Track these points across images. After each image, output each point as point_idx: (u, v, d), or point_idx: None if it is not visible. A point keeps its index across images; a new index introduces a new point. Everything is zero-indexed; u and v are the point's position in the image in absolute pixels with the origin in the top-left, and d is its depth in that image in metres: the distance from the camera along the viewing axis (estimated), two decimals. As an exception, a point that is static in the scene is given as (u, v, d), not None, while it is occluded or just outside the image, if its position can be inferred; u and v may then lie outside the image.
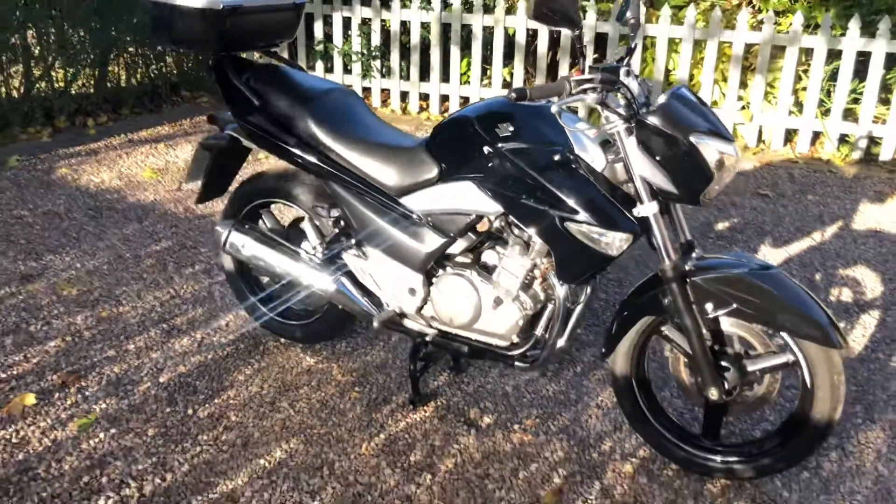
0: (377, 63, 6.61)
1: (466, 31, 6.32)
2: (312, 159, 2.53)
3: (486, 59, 6.40)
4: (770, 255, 3.88)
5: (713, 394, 2.17)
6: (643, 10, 2.22)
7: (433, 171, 2.36)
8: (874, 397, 2.74)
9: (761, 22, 5.46)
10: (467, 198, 2.31)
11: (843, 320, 3.25)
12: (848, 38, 5.22)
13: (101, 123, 6.10)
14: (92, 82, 6.32)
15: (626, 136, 2.06)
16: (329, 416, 2.59)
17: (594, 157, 2.15)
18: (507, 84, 6.31)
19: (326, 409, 2.63)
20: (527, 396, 2.72)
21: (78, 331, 3.08)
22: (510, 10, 6.12)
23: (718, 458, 2.28)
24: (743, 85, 5.73)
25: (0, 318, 3.15)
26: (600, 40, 5.96)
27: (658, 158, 2.04)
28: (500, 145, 2.20)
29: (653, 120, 2.02)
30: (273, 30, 2.69)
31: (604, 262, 2.15)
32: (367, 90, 6.88)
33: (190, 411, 2.60)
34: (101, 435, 2.47)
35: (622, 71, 2.08)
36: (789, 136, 5.72)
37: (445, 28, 6.33)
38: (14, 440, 2.43)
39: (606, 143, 2.18)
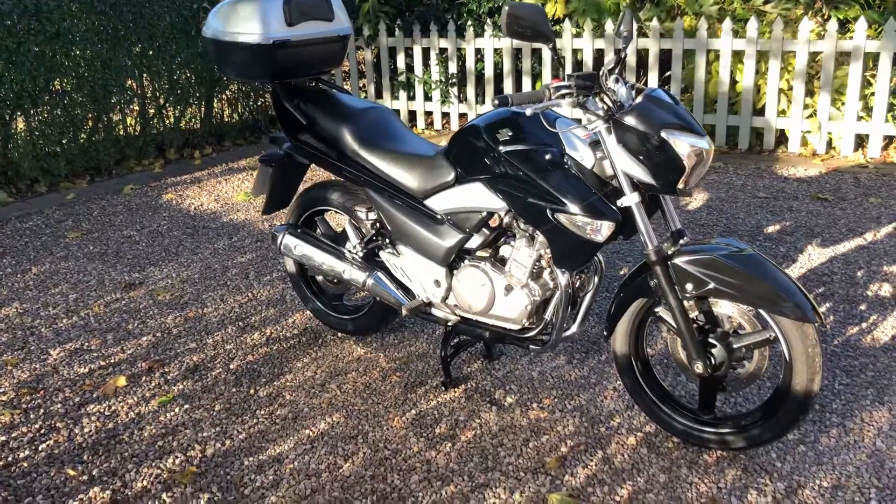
0: (454, 89, 7.00)
1: (537, 55, 6.63)
2: (351, 169, 2.90)
3: (557, 81, 6.67)
4: (815, 254, 3.97)
5: (699, 367, 2.37)
6: (635, 24, 2.48)
7: (450, 175, 2.68)
8: (888, 382, 2.84)
9: (826, 28, 5.50)
10: (478, 197, 2.61)
11: (876, 312, 3.33)
12: (914, 41, 5.21)
13: (206, 154, 6.77)
14: (199, 118, 7.00)
15: (607, 134, 2.31)
16: (370, 396, 2.93)
17: (584, 156, 2.41)
18: (578, 103, 6.55)
19: (368, 391, 2.96)
20: (550, 380, 2.97)
21: (167, 328, 3.55)
22: (577, 34, 6.38)
23: (713, 430, 2.46)
24: (809, 93, 5.76)
25: (105, 319, 3.67)
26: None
27: (635, 153, 2.28)
28: (500, 148, 2.49)
29: (627, 119, 2.27)
30: (320, 59, 3.07)
31: (593, 249, 2.40)
32: (446, 115, 7.29)
33: (252, 391, 3.00)
34: (177, 409, 2.90)
35: (611, 78, 2.35)
36: (861, 141, 5.70)
37: (517, 53, 6.66)
38: (106, 413, 2.89)
39: (596, 143, 2.43)
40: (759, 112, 5.96)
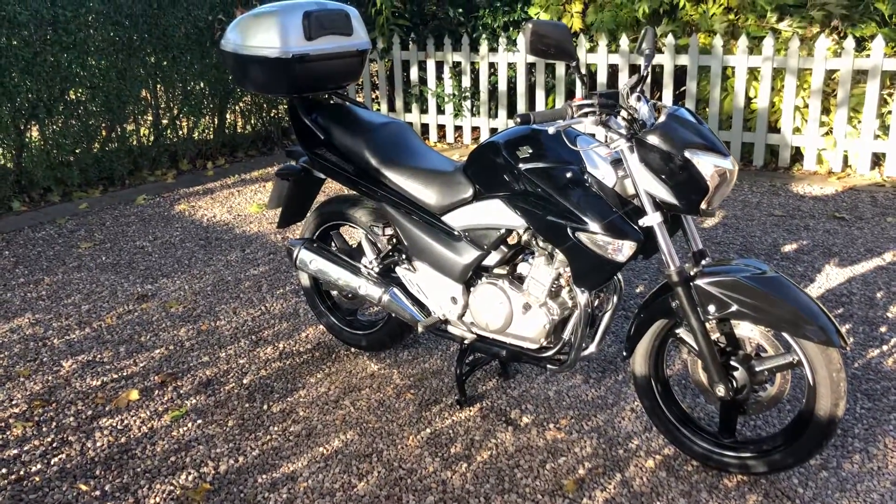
0: (467, 103, 6.99)
1: (550, 69, 6.62)
2: (368, 184, 2.88)
3: (570, 95, 6.67)
4: (833, 274, 3.92)
5: (720, 391, 2.33)
6: (656, 42, 2.47)
7: (469, 192, 2.65)
8: (911, 406, 2.79)
9: (843, 46, 5.47)
10: (497, 214, 2.59)
11: (896, 336, 3.29)
12: (932, 60, 5.18)
13: (219, 165, 6.77)
14: (212, 129, 7.01)
15: (629, 153, 2.29)
16: (384, 414, 2.89)
17: (605, 174, 2.39)
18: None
19: (382, 408, 2.93)
20: (566, 400, 2.94)
21: (180, 341, 3.53)
22: (591, 49, 6.37)
23: (733, 454, 2.42)
24: (825, 111, 5.73)
25: (118, 331, 3.65)
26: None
27: (658, 173, 2.26)
28: (520, 166, 2.47)
29: (650, 138, 2.24)
30: (338, 74, 3.06)
31: (613, 268, 2.37)
32: (458, 129, 7.28)
33: (265, 407, 2.97)
34: (190, 424, 2.87)
35: (633, 96, 2.33)
36: (878, 160, 5.66)
37: (530, 68, 6.66)
38: (119, 427, 2.87)
39: (618, 162, 2.41)
40: (775, 129, 5.93)
